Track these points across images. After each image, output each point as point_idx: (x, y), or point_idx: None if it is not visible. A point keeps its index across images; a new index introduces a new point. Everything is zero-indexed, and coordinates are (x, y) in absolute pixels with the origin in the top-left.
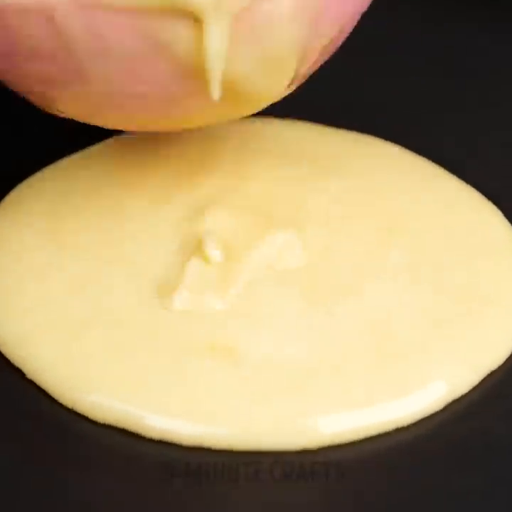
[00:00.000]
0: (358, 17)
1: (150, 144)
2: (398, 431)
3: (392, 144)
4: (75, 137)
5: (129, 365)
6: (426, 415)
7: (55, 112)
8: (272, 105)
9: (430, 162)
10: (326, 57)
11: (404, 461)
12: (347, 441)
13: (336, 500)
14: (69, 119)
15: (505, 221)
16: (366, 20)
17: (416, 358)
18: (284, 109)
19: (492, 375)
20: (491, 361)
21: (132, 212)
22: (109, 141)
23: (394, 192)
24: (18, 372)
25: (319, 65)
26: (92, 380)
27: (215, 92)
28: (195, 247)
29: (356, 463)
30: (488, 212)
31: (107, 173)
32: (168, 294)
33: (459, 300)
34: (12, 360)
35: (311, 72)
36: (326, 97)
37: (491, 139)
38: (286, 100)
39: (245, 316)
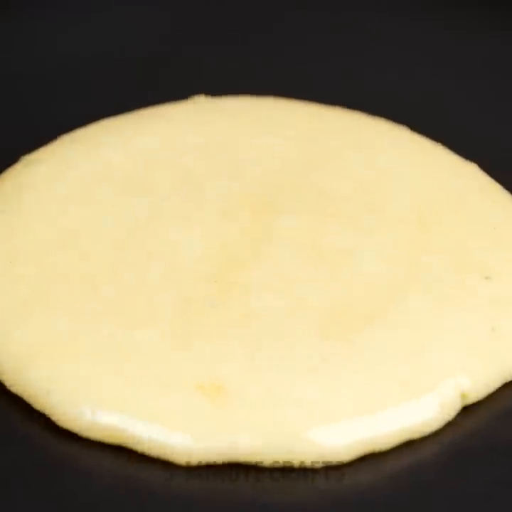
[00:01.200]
0: None
1: (122, 129)
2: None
3: (403, 126)
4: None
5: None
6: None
7: None
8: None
9: (445, 148)
10: None
11: (405, 462)
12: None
13: (336, 500)
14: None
15: None
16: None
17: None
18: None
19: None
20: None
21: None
22: (66, 136)
23: (415, 177)
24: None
25: None
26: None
27: None
28: None
29: (356, 463)
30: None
31: (67, 169)
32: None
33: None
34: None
35: None
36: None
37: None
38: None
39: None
